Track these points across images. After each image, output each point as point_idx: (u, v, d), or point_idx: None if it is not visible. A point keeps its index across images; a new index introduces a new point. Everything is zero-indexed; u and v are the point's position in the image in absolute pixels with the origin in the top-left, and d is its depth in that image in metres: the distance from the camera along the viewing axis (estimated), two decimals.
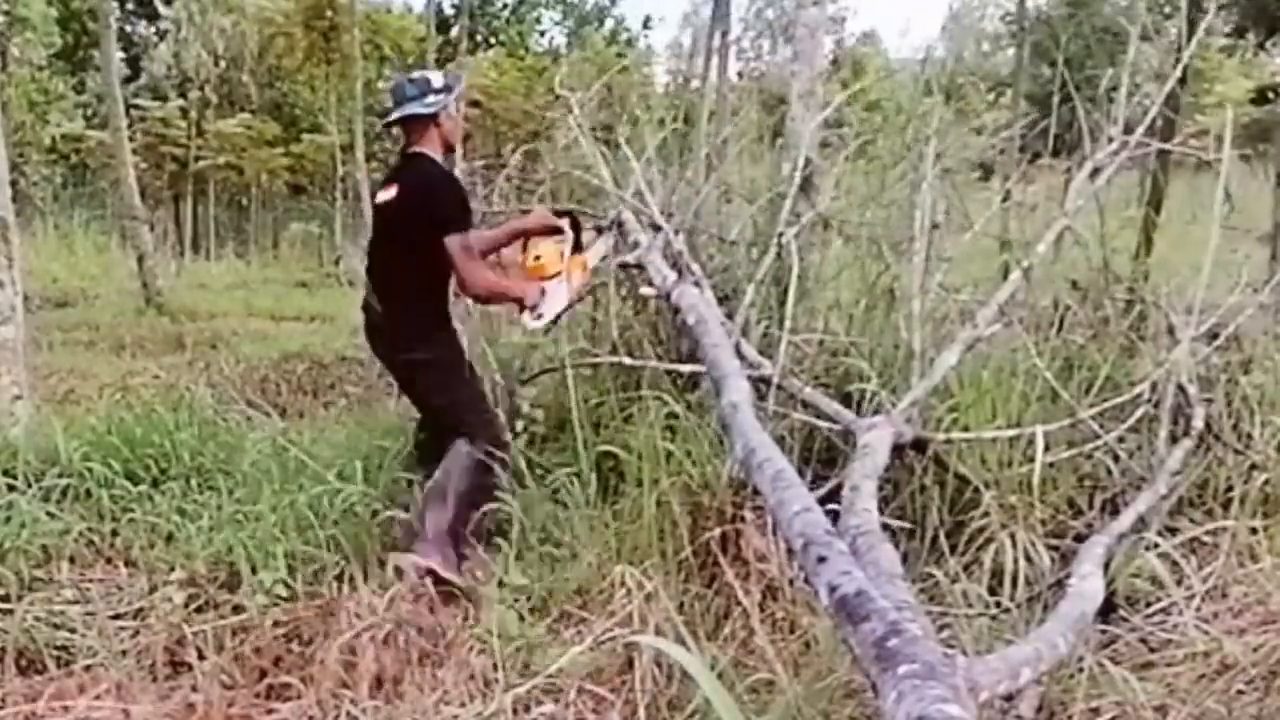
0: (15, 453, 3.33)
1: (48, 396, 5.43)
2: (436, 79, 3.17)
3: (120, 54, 14.39)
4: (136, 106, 16.93)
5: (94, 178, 18.81)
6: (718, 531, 2.57)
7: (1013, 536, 2.57)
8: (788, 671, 2.14)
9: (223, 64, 19.49)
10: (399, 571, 2.77)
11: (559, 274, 3.26)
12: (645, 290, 3.44)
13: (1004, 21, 24.56)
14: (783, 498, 1.85)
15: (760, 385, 2.95)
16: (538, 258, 3.29)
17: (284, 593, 2.66)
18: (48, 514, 3.03)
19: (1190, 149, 4.11)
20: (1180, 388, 3.12)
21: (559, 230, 3.38)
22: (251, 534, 2.85)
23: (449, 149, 3.22)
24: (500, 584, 2.69)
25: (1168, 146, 4.00)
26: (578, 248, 3.39)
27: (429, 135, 3.14)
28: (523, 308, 3.24)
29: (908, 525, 2.69)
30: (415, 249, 3.03)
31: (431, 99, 3.10)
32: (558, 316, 3.31)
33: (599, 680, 2.26)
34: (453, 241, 3.00)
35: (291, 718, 2.27)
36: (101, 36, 10.87)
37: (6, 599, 2.65)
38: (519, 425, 3.39)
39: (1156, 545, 2.57)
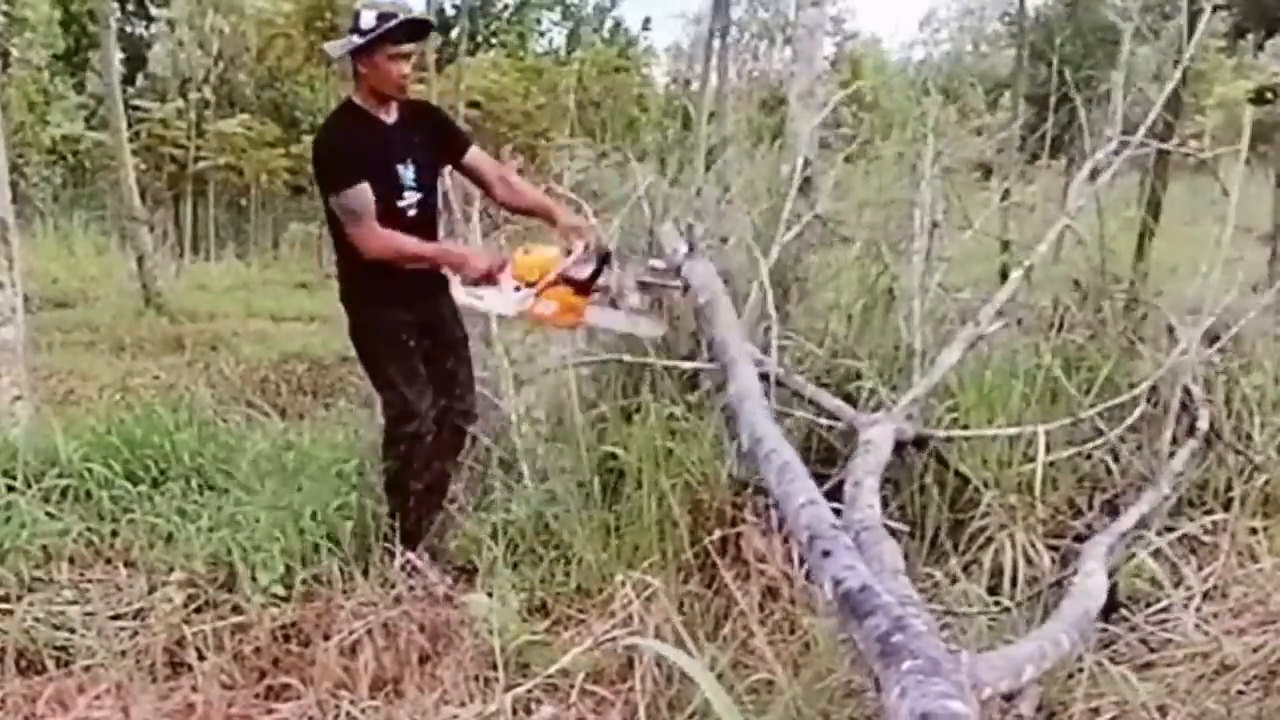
0: (15, 453, 3.32)
1: (47, 397, 5.43)
2: (366, 17, 2.74)
3: (120, 55, 14.40)
4: (136, 107, 16.94)
5: (94, 179, 18.81)
6: (717, 533, 2.56)
7: (1012, 536, 2.58)
8: (787, 672, 2.14)
9: (222, 65, 19.50)
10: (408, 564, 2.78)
11: (526, 284, 2.82)
12: (654, 263, 3.23)
13: (1003, 22, 24.59)
14: (789, 490, 1.85)
15: (762, 383, 2.94)
16: (526, 251, 2.92)
17: (283, 593, 2.66)
18: (47, 514, 3.03)
19: (1190, 149, 4.12)
20: (1185, 389, 3.12)
21: (576, 238, 2.91)
22: (251, 534, 2.85)
23: (381, 98, 2.84)
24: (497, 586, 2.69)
25: (1167, 147, 4.00)
26: (584, 287, 2.87)
27: (359, 80, 2.83)
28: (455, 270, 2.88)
29: (907, 526, 2.69)
30: (328, 213, 2.89)
31: (353, 39, 2.76)
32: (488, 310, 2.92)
33: (599, 681, 2.26)
34: (334, 204, 2.77)
35: (291, 718, 2.27)
36: (101, 38, 10.88)
37: (6, 599, 2.65)
38: (522, 427, 3.38)
39: (1157, 548, 2.57)
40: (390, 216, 2.82)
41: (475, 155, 3.06)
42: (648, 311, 3.13)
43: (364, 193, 2.74)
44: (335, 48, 2.88)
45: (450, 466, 3.13)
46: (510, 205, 3.17)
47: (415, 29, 2.85)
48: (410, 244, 2.81)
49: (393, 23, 2.72)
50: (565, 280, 2.82)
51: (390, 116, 2.89)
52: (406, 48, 2.80)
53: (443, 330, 3.03)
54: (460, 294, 2.84)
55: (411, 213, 2.89)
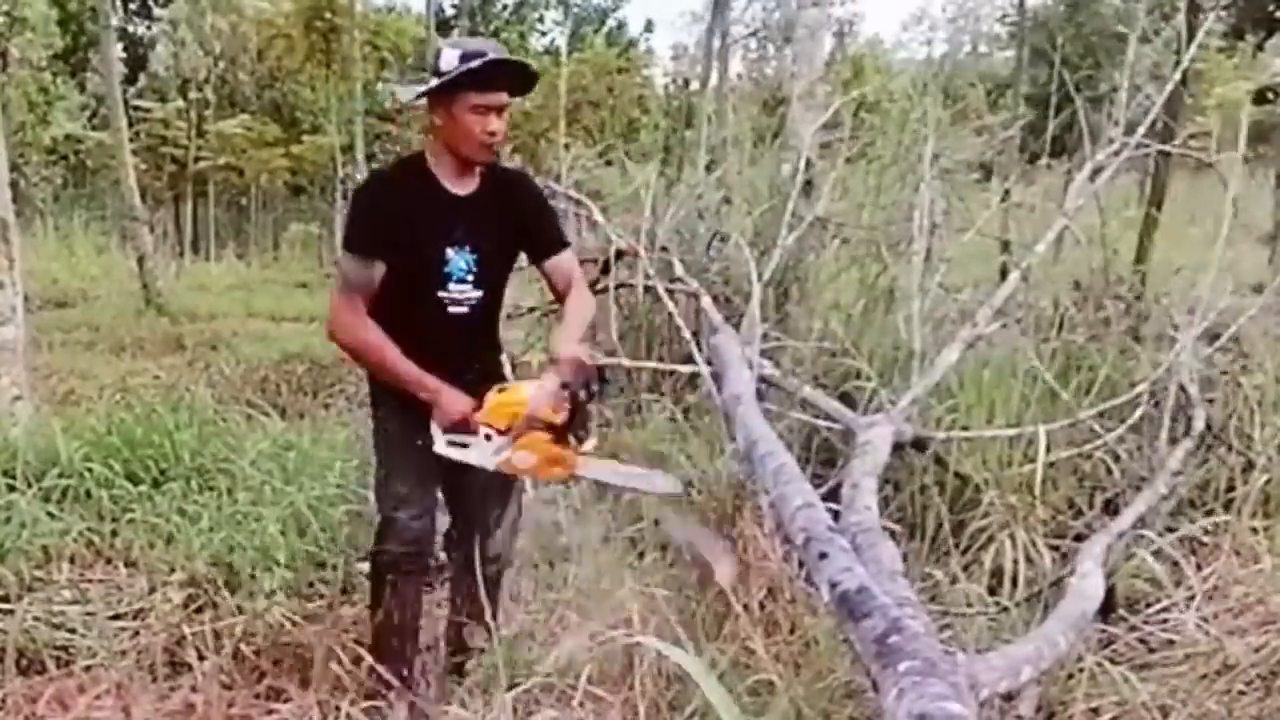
0: (15, 453, 3.32)
1: (48, 397, 5.42)
2: (448, 56, 2.15)
3: (121, 55, 14.44)
4: (137, 107, 16.99)
5: (94, 178, 18.88)
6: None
7: (1012, 537, 2.58)
8: (788, 672, 2.14)
9: (222, 65, 19.54)
10: None
11: (497, 432, 2.20)
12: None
13: (1002, 22, 24.61)
14: (784, 492, 1.85)
15: (760, 384, 2.95)
16: (501, 389, 2.25)
17: (283, 593, 2.66)
18: (48, 514, 3.02)
19: (1190, 150, 4.12)
20: (1181, 388, 3.12)
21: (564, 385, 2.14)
22: (251, 535, 2.85)
23: (460, 160, 2.23)
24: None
25: (1168, 148, 4.00)
26: (563, 434, 2.17)
27: (434, 134, 2.25)
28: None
29: (908, 527, 2.69)
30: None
31: (430, 82, 2.19)
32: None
33: (599, 682, 2.26)
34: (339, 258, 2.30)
35: (290, 718, 2.27)
36: (101, 37, 10.90)
37: (6, 599, 2.65)
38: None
39: (1157, 548, 2.57)
40: (425, 307, 2.25)
41: (561, 262, 2.38)
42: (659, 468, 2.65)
43: (368, 271, 2.21)
44: (407, 91, 2.34)
45: (469, 610, 2.40)
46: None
47: (513, 74, 2.21)
48: (379, 345, 2.22)
49: (477, 62, 2.11)
50: (541, 425, 2.18)
51: (464, 186, 2.27)
52: (497, 98, 2.17)
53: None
54: (440, 443, 2.26)
55: (456, 309, 2.28)
